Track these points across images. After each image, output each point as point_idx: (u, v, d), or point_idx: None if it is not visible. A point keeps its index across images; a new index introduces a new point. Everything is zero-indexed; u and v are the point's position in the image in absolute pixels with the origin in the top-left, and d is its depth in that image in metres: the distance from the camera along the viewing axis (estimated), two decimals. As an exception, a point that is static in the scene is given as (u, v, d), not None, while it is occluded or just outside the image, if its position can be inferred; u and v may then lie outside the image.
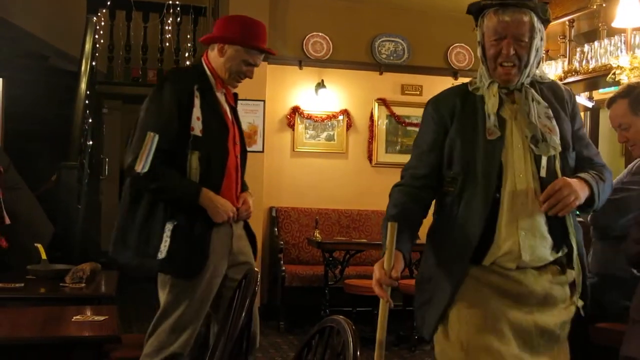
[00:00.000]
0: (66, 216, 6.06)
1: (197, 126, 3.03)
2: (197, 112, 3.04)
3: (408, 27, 7.47)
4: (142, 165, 2.92)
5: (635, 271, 2.95)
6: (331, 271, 6.27)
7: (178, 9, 8.80)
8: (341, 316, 1.70)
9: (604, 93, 5.97)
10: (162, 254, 2.97)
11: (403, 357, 5.73)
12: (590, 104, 5.86)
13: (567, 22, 5.18)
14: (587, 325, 3.06)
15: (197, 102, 3.05)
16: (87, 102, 7.11)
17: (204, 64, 3.20)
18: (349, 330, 1.62)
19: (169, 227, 2.99)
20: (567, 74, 5.12)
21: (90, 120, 7.44)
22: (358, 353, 1.56)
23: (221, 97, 3.20)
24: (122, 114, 9.71)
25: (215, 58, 3.17)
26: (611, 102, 3.14)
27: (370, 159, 7.46)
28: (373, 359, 1.97)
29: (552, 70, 5.33)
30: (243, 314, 2.30)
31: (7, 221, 4.22)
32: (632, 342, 2.51)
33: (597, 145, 7.07)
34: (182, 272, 3.04)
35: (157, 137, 2.94)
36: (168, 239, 2.97)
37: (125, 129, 9.94)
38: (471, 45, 7.39)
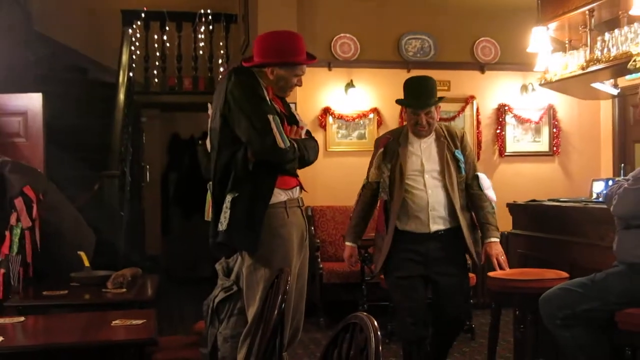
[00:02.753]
0: (110, 223, 6.26)
1: None
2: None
3: (433, 23, 7.51)
4: (283, 142, 3.16)
5: None
6: (367, 267, 6.38)
7: (210, 17, 8.99)
8: (364, 313, 1.77)
9: (631, 80, 5.96)
10: (222, 225, 3.13)
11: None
12: (615, 92, 5.86)
13: (587, 12, 5.18)
14: (614, 311, 3.13)
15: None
16: (125, 112, 7.32)
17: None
18: (371, 327, 1.69)
19: (228, 198, 3.14)
20: (589, 62, 5.12)
21: (129, 130, 7.67)
22: (380, 348, 1.63)
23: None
24: (160, 122, 9.91)
25: (265, 77, 3.28)
26: None
27: (402, 154, 7.51)
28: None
29: (575, 59, 5.35)
30: (275, 312, 2.35)
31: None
32: None
33: (624, 134, 7.02)
34: (244, 245, 3.20)
35: (276, 118, 3.17)
36: (228, 210, 3.12)
37: (164, 137, 10.17)
38: (497, 38, 7.41)
